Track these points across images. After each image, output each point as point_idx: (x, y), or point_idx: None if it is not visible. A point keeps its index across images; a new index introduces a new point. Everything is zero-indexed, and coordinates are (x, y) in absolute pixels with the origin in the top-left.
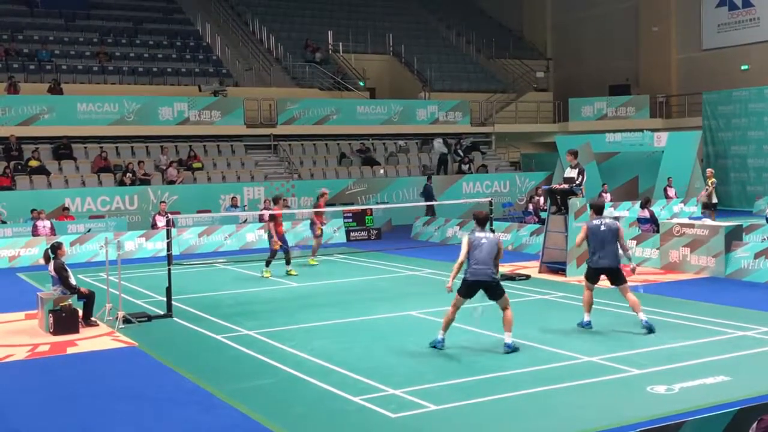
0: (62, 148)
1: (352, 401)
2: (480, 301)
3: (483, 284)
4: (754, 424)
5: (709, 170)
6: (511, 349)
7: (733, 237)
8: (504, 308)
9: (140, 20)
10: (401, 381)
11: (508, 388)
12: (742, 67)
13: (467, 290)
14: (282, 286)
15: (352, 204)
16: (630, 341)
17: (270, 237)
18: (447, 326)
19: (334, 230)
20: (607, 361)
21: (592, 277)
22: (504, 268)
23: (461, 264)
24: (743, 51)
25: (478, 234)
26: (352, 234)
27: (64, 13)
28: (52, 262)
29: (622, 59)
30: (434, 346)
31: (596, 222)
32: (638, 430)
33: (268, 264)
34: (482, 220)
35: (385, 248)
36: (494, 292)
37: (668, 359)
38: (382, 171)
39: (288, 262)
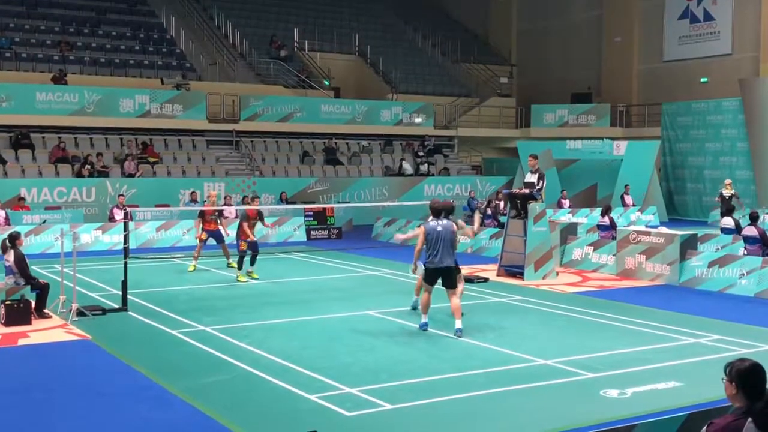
0: (22, 138)
1: (308, 399)
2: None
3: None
4: (704, 428)
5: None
6: (462, 333)
7: (688, 246)
8: (454, 294)
9: (103, 10)
10: (357, 380)
11: (463, 389)
12: (702, 80)
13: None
14: (240, 283)
15: (313, 203)
16: (585, 345)
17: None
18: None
19: (295, 228)
20: (561, 364)
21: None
22: (463, 271)
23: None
24: (703, 63)
25: (433, 223)
26: (312, 233)
27: (26, 0)
28: (11, 252)
29: (584, 68)
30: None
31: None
32: None
33: (240, 267)
34: (438, 211)
35: (345, 248)
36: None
37: (622, 364)
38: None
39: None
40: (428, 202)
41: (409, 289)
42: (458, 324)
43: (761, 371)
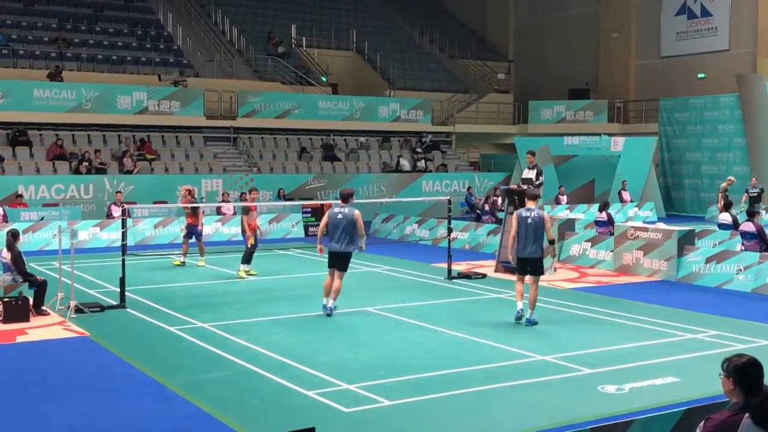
0: (19, 135)
1: (306, 395)
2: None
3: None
4: (701, 423)
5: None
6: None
7: (686, 242)
8: (340, 278)
9: (101, 7)
10: (355, 376)
11: (461, 385)
12: (699, 75)
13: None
14: (237, 279)
15: (311, 199)
16: (582, 341)
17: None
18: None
19: (293, 225)
20: (559, 360)
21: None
22: (460, 267)
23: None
24: (700, 59)
25: (336, 209)
26: (310, 229)
27: None
28: (10, 249)
29: (582, 64)
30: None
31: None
32: (588, 427)
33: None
34: (346, 197)
35: None
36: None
37: (619, 360)
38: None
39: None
40: (427, 198)
41: (408, 284)
42: (332, 303)
43: (758, 366)
